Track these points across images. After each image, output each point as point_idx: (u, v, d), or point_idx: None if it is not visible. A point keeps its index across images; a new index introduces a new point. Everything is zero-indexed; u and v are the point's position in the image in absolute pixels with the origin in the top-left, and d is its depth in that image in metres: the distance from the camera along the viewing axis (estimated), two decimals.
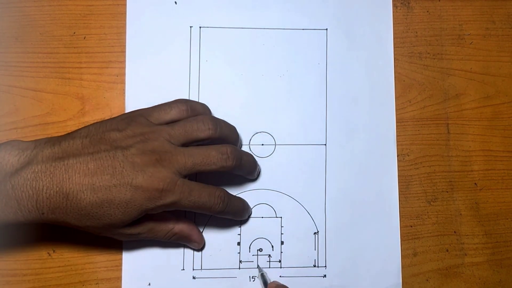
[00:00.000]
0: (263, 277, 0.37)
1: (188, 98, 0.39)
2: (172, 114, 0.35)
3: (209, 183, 0.35)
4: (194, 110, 0.36)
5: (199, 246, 0.38)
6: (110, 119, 0.34)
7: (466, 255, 0.40)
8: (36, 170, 0.30)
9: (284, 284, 0.37)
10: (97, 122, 0.34)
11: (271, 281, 0.37)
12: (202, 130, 0.34)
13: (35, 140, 0.32)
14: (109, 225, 0.32)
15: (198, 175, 0.39)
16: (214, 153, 0.33)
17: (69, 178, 0.30)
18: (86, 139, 0.32)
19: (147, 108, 0.35)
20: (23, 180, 0.30)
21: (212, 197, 0.34)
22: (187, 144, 0.34)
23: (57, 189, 0.30)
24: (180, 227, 0.36)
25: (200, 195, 0.33)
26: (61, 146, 0.32)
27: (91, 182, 0.31)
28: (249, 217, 0.39)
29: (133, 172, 0.31)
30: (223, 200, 0.34)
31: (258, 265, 0.38)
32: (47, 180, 0.30)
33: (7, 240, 0.37)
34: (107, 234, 0.33)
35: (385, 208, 0.40)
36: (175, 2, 0.40)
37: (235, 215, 0.37)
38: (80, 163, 0.31)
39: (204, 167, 0.33)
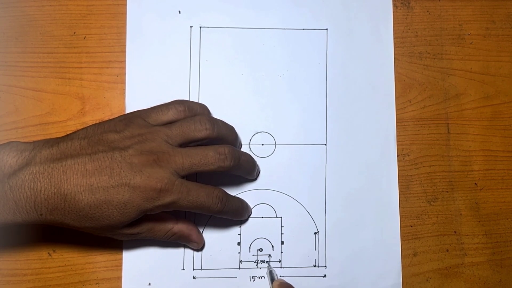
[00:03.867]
0: (271, 274, 0.37)
1: (187, 98, 0.39)
2: (170, 115, 0.35)
3: (209, 183, 0.35)
4: (191, 110, 0.36)
5: (199, 246, 0.38)
6: (108, 120, 0.34)
7: (466, 255, 0.40)
8: (34, 171, 0.30)
9: None
10: (95, 124, 0.34)
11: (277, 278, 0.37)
12: (200, 130, 0.34)
13: (34, 142, 0.32)
14: (108, 226, 0.32)
15: (198, 175, 0.39)
16: (211, 153, 0.33)
17: (67, 179, 0.30)
18: (84, 140, 0.32)
19: (145, 109, 0.35)
20: (21, 182, 0.30)
21: (210, 197, 0.34)
22: (184, 144, 0.34)
23: (55, 190, 0.30)
24: (180, 227, 0.36)
25: (198, 195, 0.33)
26: (59, 147, 0.31)
27: (89, 183, 0.31)
28: (249, 217, 0.39)
29: (131, 173, 0.31)
30: (221, 200, 0.34)
31: (268, 263, 0.38)
32: (45, 181, 0.30)
33: (7, 240, 0.37)
34: (106, 234, 0.33)
35: (385, 208, 0.40)
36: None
37: (234, 215, 0.37)
38: (78, 164, 0.31)
39: (202, 168, 0.33)
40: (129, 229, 0.33)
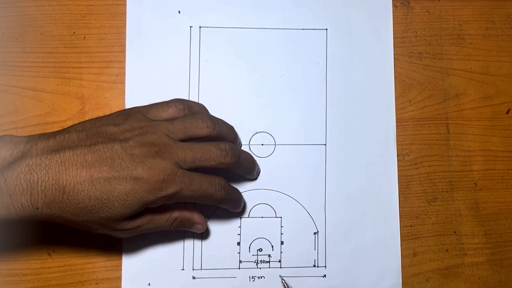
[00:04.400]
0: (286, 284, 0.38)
1: (187, 98, 0.39)
2: (170, 112, 0.35)
3: None
4: (191, 109, 0.36)
5: (203, 228, 0.36)
6: (106, 115, 0.34)
7: (466, 255, 0.40)
8: (31, 163, 0.29)
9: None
10: (92, 118, 0.33)
11: None
12: (201, 128, 0.34)
13: (28, 136, 0.31)
14: (107, 219, 0.31)
15: (198, 171, 0.38)
16: (213, 149, 0.33)
17: (65, 171, 0.30)
18: (82, 133, 0.32)
19: (144, 105, 0.35)
20: (17, 174, 0.29)
21: (213, 185, 0.33)
22: (185, 140, 0.34)
23: (53, 182, 0.29)
24: (180, 211, 0.35)
25: (201, 184, 0.33)
26: (56, 139, 0.31)
27: (89, 174, 0.30)
28: (244, 210, 0.39)
29: (133, 164, 0.31)
30: (224, 187, 0.34)
31: (281, 278, 0.39)
32: (42, 173, 0.29)
33: (7, 240, 0.37)
34: (105, 230, 0.32)
35: (385, 208, 0.40)
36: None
37: (234, 204, 0.37)
38: (77, 155, 0.30)
39: (203, 163, 0.33)
40: (129, 223, 0.32)
